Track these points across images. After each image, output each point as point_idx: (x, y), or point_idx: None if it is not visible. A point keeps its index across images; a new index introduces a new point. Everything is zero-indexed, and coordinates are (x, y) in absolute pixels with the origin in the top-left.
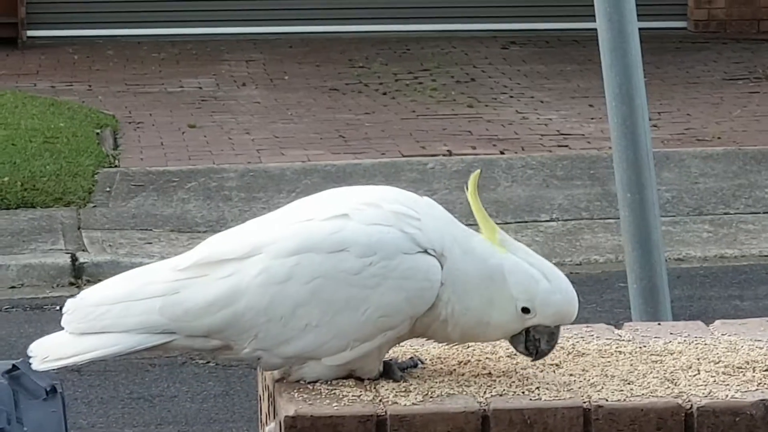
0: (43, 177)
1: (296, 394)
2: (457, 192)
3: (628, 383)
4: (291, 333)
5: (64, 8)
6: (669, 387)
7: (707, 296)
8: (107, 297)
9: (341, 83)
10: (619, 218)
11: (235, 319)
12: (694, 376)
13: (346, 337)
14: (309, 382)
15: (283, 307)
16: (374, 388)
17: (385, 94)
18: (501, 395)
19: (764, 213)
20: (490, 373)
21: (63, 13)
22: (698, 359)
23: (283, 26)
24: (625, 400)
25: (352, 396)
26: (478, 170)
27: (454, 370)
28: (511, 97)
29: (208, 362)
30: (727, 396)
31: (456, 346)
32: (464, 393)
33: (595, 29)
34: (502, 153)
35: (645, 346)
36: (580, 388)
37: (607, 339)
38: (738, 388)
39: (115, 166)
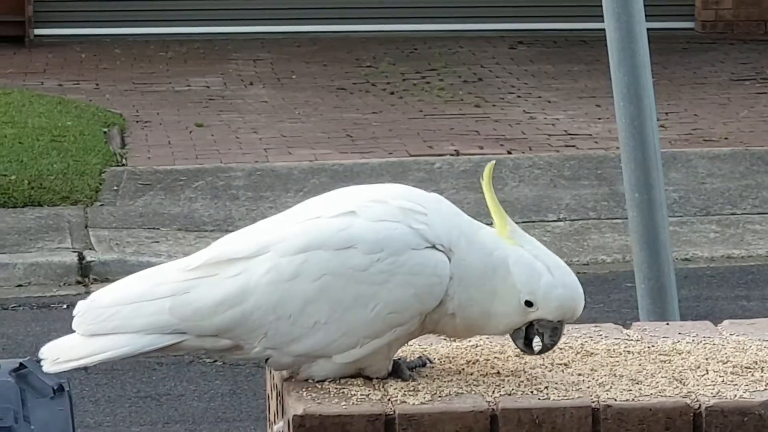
0: (51, 175)
1: (305, 393)
2: (465, 191)
3: (637, 383)
4: (300, 331)
5: (72, 7)
6: (677, 387)
7: (714, 296)
8: (118, 298)
9: (349, 83)
10: (626, 218)
11: (243, 317)
12: (703, 376)
13: (355, 334)
14: (318, 381)
15: (291, 305)
16: (383, 387)
17: (392, 93)
18: (510, 395)
19: None
20: (498, 372)
21: (70, 12)
22: (707, 359)
23: (291, 25)
24: (633, 399)
25: (361, 395)
26: (493, 161)
27: (463, 369)
28: (519, 97)
29: (215, 361)
30: (735, 396)
31: (465, 345)
32: (473, 392)
33: (603, 29)
34: (509, 153)
35: (653, 346)
36: (588, 387)
37: (615, 339)
38: (746, 388)
39: (123, 165)
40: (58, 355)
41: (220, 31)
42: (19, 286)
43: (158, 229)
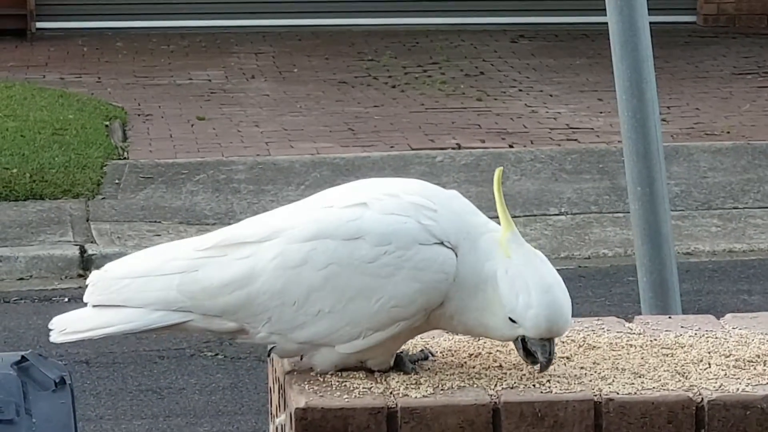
0: (52, 169)
1: (307, 386)
2: (466, 185)
3: (639, 376)
4: (304, 318)
5: (73, 0)
6: (680, 380)
7: (716, 290)
8: (130, 271)
9: (350, 76)
10: (628, 212)
11: (249, 300)
12: (705, 369)
13: (358, 326)
14: (320, 373)
15: (296, 291)
16: (385, 380)
17: (394, 87)
18: (512, 388)
19: None
20: (500, 365)
21: (72, 5)
22: (709, 353)
23: (293, 19)
24: (635, 393)
25: (363, 388)
26: (501, 168)
27: (465, 362)
28: (520, 90)
29: (217, 355)
30: (738, 389)
31: (467, 339)
32: (475, 386)
33: (605, 23)
34: (511, 146)
35: (656, 340)
36: (590, 381)
37: (617, 332)
38: (749, 381)
39: (124, 158)
40: (67, 326)
41: (221, 25)
42: (21, 279)
43: (160, 222)
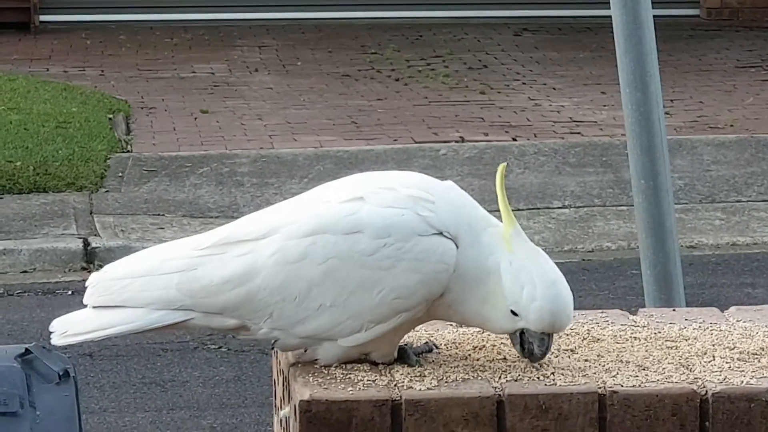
0: (56, 162)
1: (311, 378)
2: (470, 178)
3: (643, 369)
4: (305, 313)
5: None
6: (684, 373)
7: (719, 284)
8: (129, 271)
9: (354, 69)
10: (631, 205)
11: (249, 297)
12: (709, 362)
13: (360, 319)
14: (324, 366)
15: (297, 286)
16: (389, 372)
17: (397, 80)
18: (516, 380)
19: None
20: (505, 358)
21: None
22: (713, 345)
23: (296, 12)
24: (640, 385)
25: (367, 380)
26: (504, 164)
27: (469, 355)
28: (524, 83)
29: (220, 347)
30: (742, 382)
31: (471, 331)
32: (479, 378)
33: (608, 16)
34: (514, 140)
35: (660, 332)
36: (595, 373)
37: (622, 325)
38: (753, 374)
39: (128, 151)
40: (67, 328)
41: (225, 18)
42: (25, 272)
43: (163, 215)
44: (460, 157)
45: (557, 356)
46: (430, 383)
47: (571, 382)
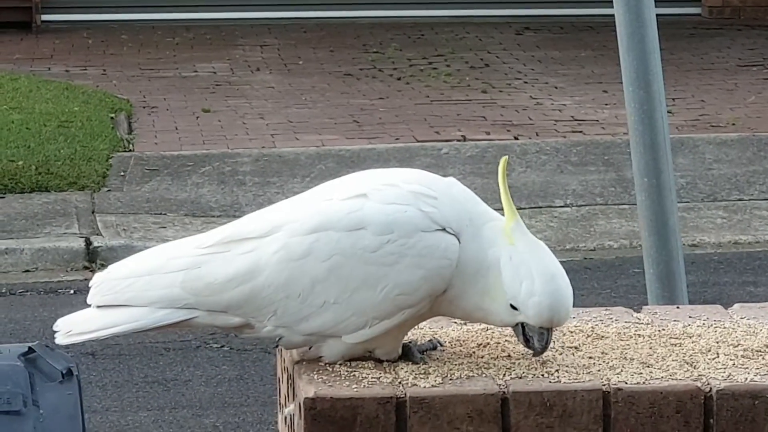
0: (58, 161)
1: (316, 375)
2: (471, 177)
3: (648, 366)
4: (309, 310)
5: None
6: (688, 370)
7: (721, 282)
8: (133, 270)
9: (355, 68)
10: (633, 204)
11: (253, 294)
12: (714, 359)
13: (364, 315)
14: (329, 363)
15: (301, 283)
16: (394, 370)
17: (399, 79)
18: (520, 377)
19: None
20: (509, 355)
21: None
22: (717, 342)
23: (298, 11)
24: (644, 383)
25: (372, 378)
26: (506, 157)
27: (474, 352)
28: (526, 82)
29: (223, 346)
30: (746, 379)
31: (475, 329)
32: (483, 375)
33: (610, 15)
34: (516, 138)
35: (664, 330)
36: (599, 370)
37: (626, 322)
38: (757, 371)
39: (130, 151)
40: (72, 327)
41: (226, 17)
42: (27, 271)
43: (165, 214)
44: (462, 156)
45: (561, 353)
46: (435, 380)
47: (576, 379)
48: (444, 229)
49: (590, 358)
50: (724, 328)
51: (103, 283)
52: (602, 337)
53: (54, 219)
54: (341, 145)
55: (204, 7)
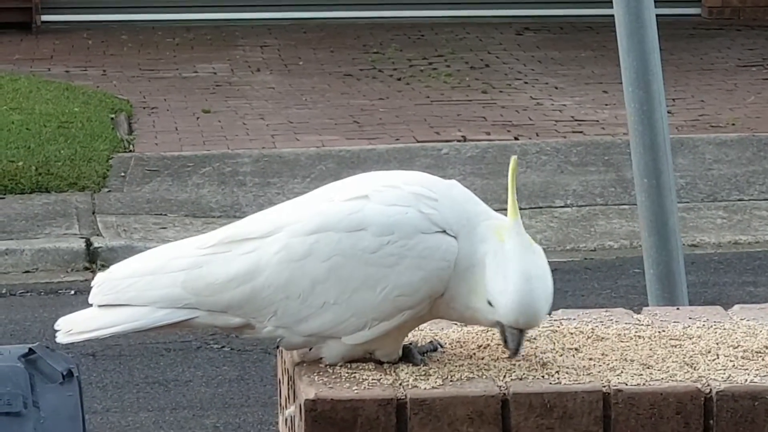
0: (58, 162)
1: (316, 377)
2: (471, 177)
3: (648, 367)
4: (309, 310)
5: None
6: (688, 371)
7: (721, 282)
8: (134, 270)
9: (356, 69)
10: (633, 204)
11: (253, 294)
12: (713, 360)
13: (364, 316)
14: (329, 365)
15: (301, 284)
16: (394, 371)
17: (399, 79)
18: (521, 379)
19: None
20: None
21: None
22: (717, 344)
23: (298, 11)
24: (644, 384)
25: (372, 379)
26: (515, 156)
27: (474, 354)
28: (526, 83)
29: (223, 347)
30: (746, 380)
31: (476, 330)
32: (484, 377)
33: (610, 15)
34: (516, 139)
35: (664, 331)
36: (599, 372)
37: (626, 323)
38: (757, 372)
39: (130, 151)
40: (72, 326)
41: (227, 17)
42: (27, 272)
43: (165, 215)
44: (462, 157)
45: (562, 355)
46: (435, 382)
47: (576, 380)
48: (444, 231)
49: (590, 359)
50: (724, 329)
51: (104, 282)
52: (602, 338)
53: (54, 220)
54: (341, 146)
55: (204, 8)
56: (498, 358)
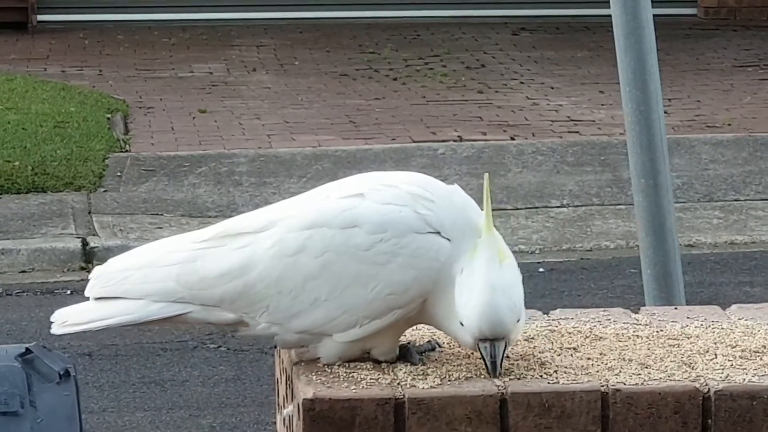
0: (54, 161)
1: (314, 376)
2: (467, 177)
3: (646, 367)
4: (301, 306)
5: None
6: (686, 371)
7: (718, 282)
8: (131, 263)
9: (352, 69)
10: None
11: (246, 289)
12: (712, 360)
13: (355, 314)
14: (327, 364)
15: (293, 279)
16: (392, 371)
17: (395, 79)
18: (519, 379)
19: None
20: (507, 356)
21: None
22: (715, 343)
23: (294, 11)
24: (642, 383)
25: (371, 379)
26: (487, 174)
27: (472, 353)
28: (522, 83)
29: (219, 347)
30: (744, 380)
31: None
32: (482, 376)
33: (606, 15)
34: (512, 139)
35: (662, 330)
36: (597, 371)
37: (624, 323)
38: (755, 372)
39: (126, 151)
40: (67, 318)
41: (223, 17)
42: (23, 272)
43: (161, 215)
44: (459, 157)
45: (560, 354)
46: (433, 381)
47: (574, 380)
48: (438, 233)
49: (588, 359)
50: (722, 329)
51: (101, 275)
52: (600, 338)
53: (50, 219)
54: (337, 146)
55: (200, 8)
56: None
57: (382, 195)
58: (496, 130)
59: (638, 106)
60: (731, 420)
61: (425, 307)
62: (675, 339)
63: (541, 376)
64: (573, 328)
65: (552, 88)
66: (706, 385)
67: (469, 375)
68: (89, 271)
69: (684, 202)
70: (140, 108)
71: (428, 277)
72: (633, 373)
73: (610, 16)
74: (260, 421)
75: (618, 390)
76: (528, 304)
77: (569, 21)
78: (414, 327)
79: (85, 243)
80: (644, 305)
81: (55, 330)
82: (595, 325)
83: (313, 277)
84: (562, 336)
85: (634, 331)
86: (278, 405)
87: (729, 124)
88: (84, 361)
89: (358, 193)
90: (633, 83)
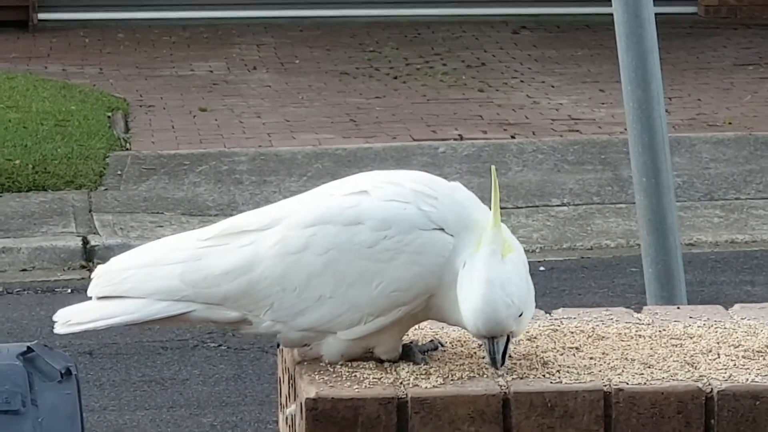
0: (55, 160)
1: (317, 376)
2: (468, 176)
3: (649, 367)
4: (305, 304)
5: None
6: (689, 371)
7: (718, 281)
8: (134, 262)
9: (352, 67)
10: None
11: (250, 287)
12: (714, 359)
13: (359, 311)
14: (329, 363)
15: (297, 277)
16: (395, 370)
17: (395, 78)
18: (521, 378)
19: None
20: (510, 356)
21: None
22: (718, 343)
23: (295, 10)
24: (645, 383)
25: (373, 378)
26: (494, 166)
27: (475, 353)
28: (522, 81)
29: (220, 345)
30: (747, 380)
31: None
32: (485, 376)
33: (607, 14)
34: (512, 137)
35: (664, 330)
36: (600, 371)
37: (626, 323)
38: (758, 372)
39: (126, 150)
40: (70, 317)
41: (223, 16)
42: (24, 270)
43: (162, 213)
44: (459, 155)
45: (562, 354)
46: (436, 381)
47: (577, 380)
48: (442, 229)
49: (591, 358)
50: (725, 328)
51: (104, 274)
52: (603, 337)
53: (51, 218)
54: (338, 144)
55: (201, 6)
56: None
57: (385, 192)
58: (496, 129)
59: (639, 105)
60: (734, 420)
61: (432, 303)
62: (678, 339)
63: (543, 375)
64: (575, 327)
65: (552, 86)
66: (709, 385)
67: (471, 374)
68: (90, 270)
69: (684, 201)
70: (141, 106)
71: (432, 273)
72: (636, 373)
73: (611, 14)
74: (261, 420)
75: (621, 390)
76: None
77: (569, 19)
78: (417, 326)
79: (85, 241)
80: (645, 304)
81: (59, 329)
82: (597, 325)
83: (317, 274)
84: (565, 335)
85: (636, 331)
86: (280, 404)
87: (730, 123)
88: (84, 359)
89: (361, 191)
90: (634, 82)
